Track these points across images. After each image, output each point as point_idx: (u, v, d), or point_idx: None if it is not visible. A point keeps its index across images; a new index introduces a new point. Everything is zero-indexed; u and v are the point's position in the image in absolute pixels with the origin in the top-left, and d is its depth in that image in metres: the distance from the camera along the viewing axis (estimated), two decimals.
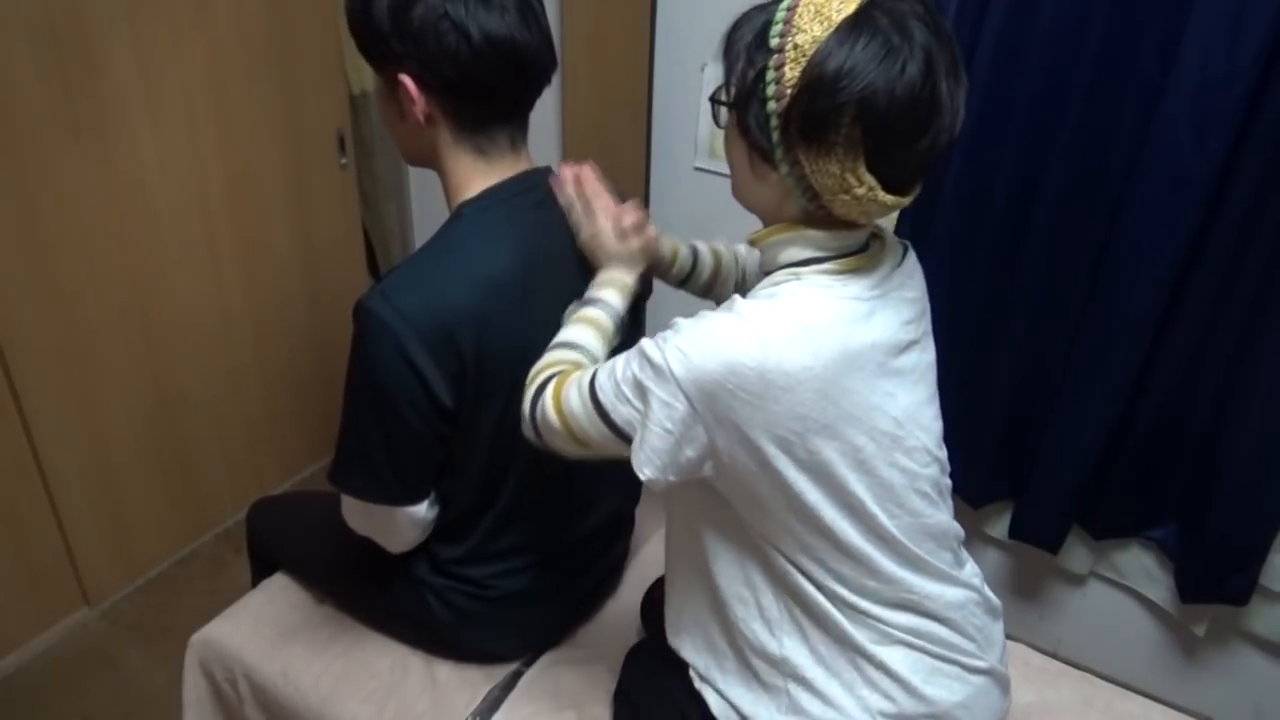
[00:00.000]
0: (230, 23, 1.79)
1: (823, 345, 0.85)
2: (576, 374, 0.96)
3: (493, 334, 1.05)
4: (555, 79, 1.12)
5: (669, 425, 0.87)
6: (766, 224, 0.96)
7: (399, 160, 2.36)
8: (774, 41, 0.83)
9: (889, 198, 0.85)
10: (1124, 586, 1.86)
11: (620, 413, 0.90)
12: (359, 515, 1.20)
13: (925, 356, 0.98)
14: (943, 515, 1.00)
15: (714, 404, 0.85)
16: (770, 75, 0.83)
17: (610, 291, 1.09)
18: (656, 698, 1.13)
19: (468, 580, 1.24)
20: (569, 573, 1.32)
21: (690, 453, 0.88)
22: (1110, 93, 1.47)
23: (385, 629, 1.36)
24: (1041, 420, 1.73)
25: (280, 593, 1.44)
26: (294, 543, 1.47)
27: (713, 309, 0.91)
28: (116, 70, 1.64)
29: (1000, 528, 1.90)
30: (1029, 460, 1.78)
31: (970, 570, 1.06)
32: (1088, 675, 1.39)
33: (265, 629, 1.37)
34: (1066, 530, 1.80)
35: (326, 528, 1.31)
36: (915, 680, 0.96)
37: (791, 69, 0.81)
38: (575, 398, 0.94)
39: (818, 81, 0.80)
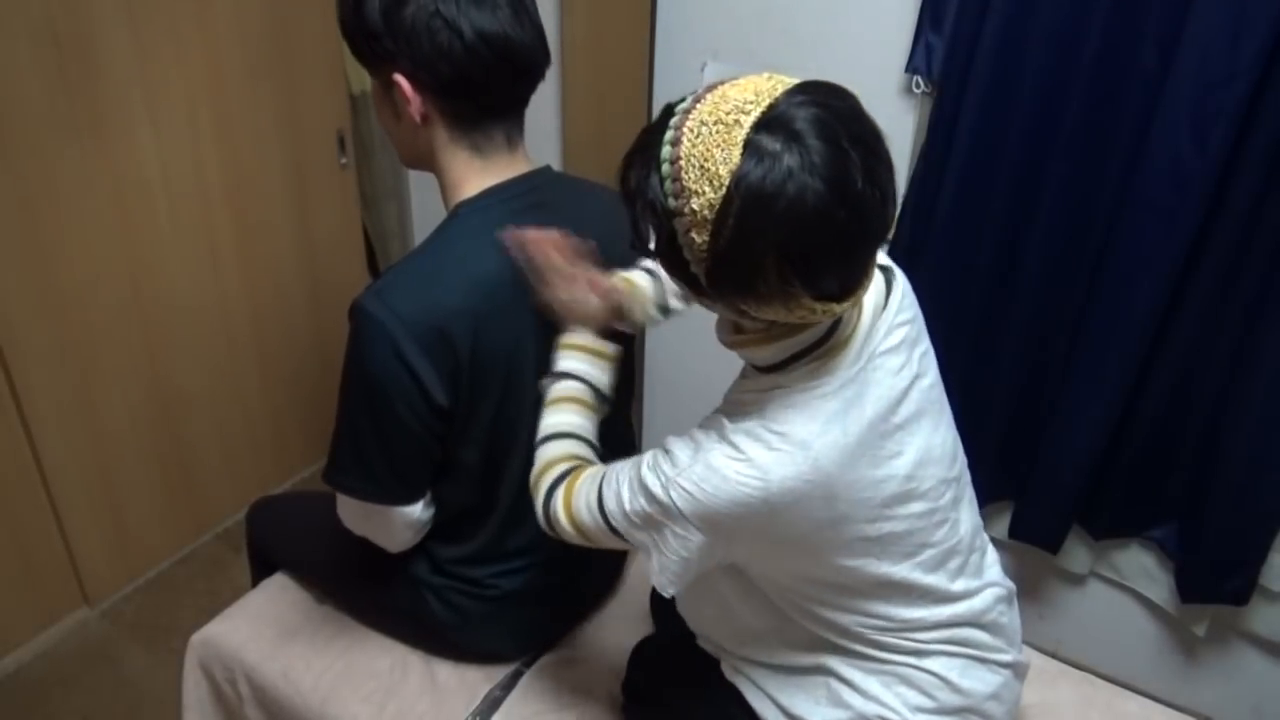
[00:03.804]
0: (230, 23, 1.79)
1: (821, 456, 0.84)
2: (583, 483, 0.98)
3: (487, 333, 1.05)
4: (555, 79, 1.12)
5: (685, 553, 0.90)
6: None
7: (399, 160, 2.36)
8: (671, 203, 0.76)
9: (843, 305, 0.79)
10: (1124, 586, 1.86)
11: (636, 537, 0.94)
12: (354, 515, 1.20)
13: (925, 381, 0.93)
14: (964, 527, 1.00)
15: (725, 530, 0.88)
16: (681, 240, 0.77)
17: (577, 360, 1.08)
18: (681, 690, 1.14)
19: (467, 580, 1.24)
20: (569, 572, 1.31)
21: (709, 564, 0.93)
22: (1110, 92, 1.47)
23: (385, 629, 1.36)
24: (1041, 420, 1.73)
25: (280, 593, 1.44)
26: (294, 543, 1.47)
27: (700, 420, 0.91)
28: (116, 70, 1.64)
29: (1000, 528, 1.90)
30: (1029, 460, 1.77)
31: (990, 558, 1.07)
32: (1088, 675, 1.39)
33: (265, 629, 1.37)
34: (1066, 530, 1.80)
35: (326, 528, 1.30)
36: (953, 676, 0.99)
37: (699, 234, 0.75)
38: (587, 516, 0.97)
39: (726, 250, 0.75)
